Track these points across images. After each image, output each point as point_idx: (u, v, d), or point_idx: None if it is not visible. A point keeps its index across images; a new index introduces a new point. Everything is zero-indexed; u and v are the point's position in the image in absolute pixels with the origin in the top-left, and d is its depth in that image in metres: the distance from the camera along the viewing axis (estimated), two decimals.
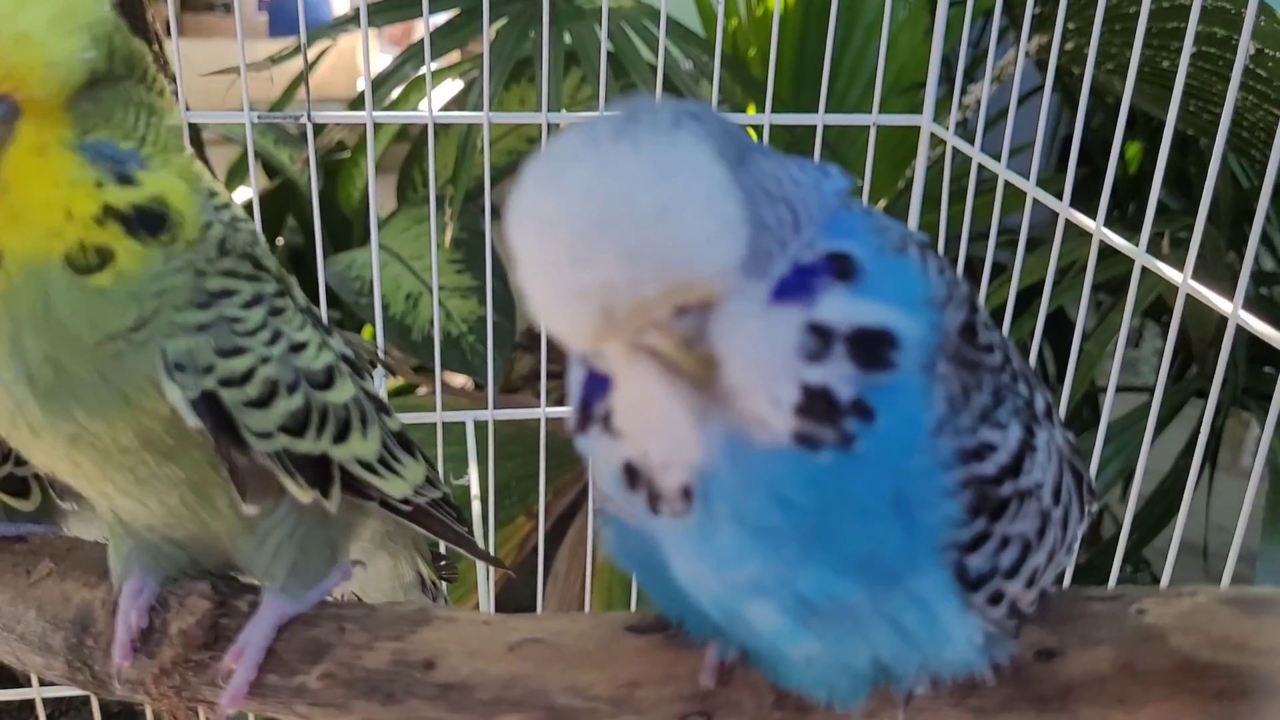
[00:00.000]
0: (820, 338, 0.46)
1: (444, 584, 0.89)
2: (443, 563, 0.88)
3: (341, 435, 0.67)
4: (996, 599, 0.55)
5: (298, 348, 0.66)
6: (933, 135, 1.17)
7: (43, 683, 1.07)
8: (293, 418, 0.65)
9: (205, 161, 1.82)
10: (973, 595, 0.53)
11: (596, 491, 0.58)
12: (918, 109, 1.20)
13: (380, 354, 0.91)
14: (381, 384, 1.15)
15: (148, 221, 0.60)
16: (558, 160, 0.42)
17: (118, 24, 0.62)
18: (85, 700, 1.44)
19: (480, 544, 0.97)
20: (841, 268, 0.47)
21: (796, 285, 0.46)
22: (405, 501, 0.72)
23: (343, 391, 0.68)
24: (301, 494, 0.66)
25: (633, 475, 0.50)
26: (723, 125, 0.46)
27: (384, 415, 0.72)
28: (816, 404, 0.46)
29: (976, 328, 0.55)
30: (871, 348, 0.47)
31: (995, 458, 0.52)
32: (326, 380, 0.67)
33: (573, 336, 0.44)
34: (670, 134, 0.42)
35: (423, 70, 1.80)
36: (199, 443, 0.63)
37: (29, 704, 1.32)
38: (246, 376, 0.63)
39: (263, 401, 0.63)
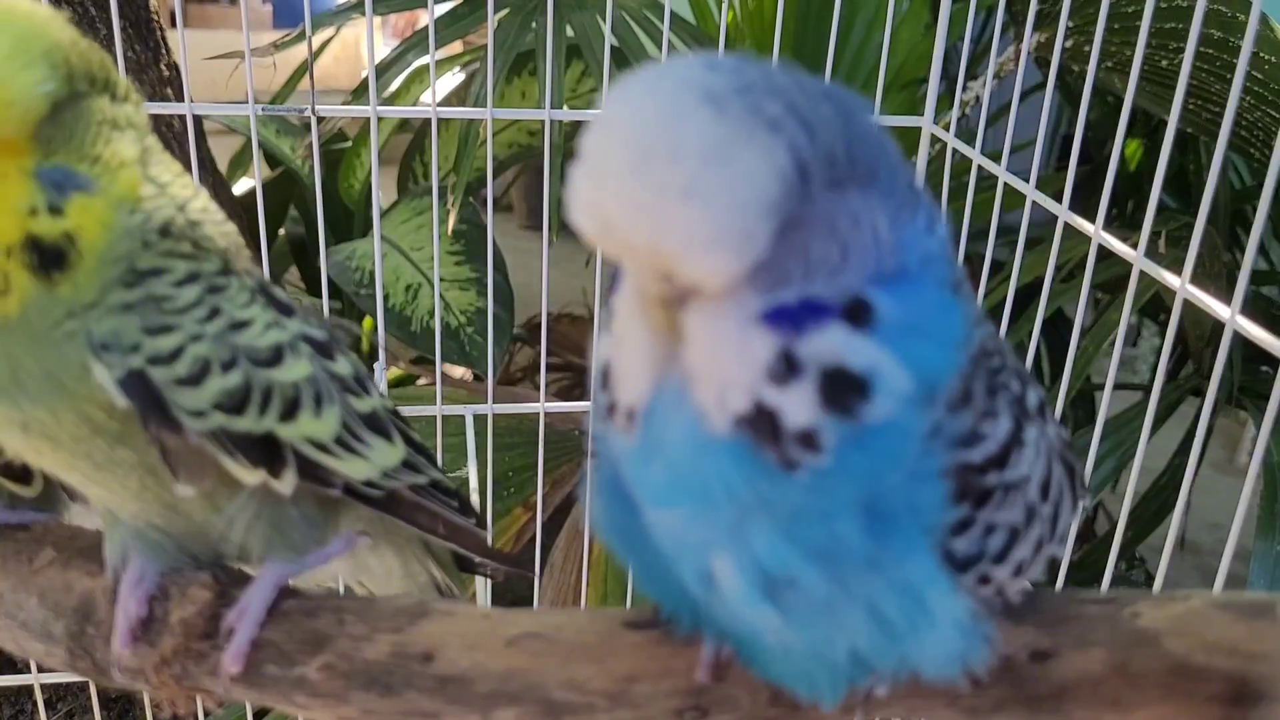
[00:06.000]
0: (789, 367, 0.47)
1: (470, 583, 0.87)
2: (478, 561, 0.84)
3: (289, 413, 0.66)
4: (985, 582, 0.56)
5: (239, 325, 0.65)
6: (933, 135, 1.17)
7: (40, 668, 1.07)
8: (229, 395, 0.64)
9: (206, 152, 1.82)
10: (962, 576, 0.54)
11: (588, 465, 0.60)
12: (917, 105, 1.20)
13: (380, 343, 0.91)
14: (381, 373, 1.15)
15: (50, 258, 0.60)
16: (650, 81, 0.43)
17: (75, 40, 0.62)
18: (83, 685, 1.44)
19: None
20: (855, 313, 0.47)
21: (793, 315, 0.47)
22: (372, 485, 0.71)
23: (294, 370, 0.67)
24: (245, 474, 0.65)
25: (605, 375, 0.52)
26: (837, 140, 0.46)
27: (352, 395, 0.71)
28: (761, 422, 0.47)
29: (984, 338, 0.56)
30: (843, 393, 0.47)
31: (984, 447, 0.53)
32: (273, 358, 0.66)
33: (582, 225, 0.44)
34: (752, 128, 0.42)
35: (425, 59, 1.80)
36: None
37: (27, 688, 1.33)
38: (176, 354, 0.62)
39: (194, 379, 0.63)
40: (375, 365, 1.14)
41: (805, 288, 0.47)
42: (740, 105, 0.42)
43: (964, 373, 0.53)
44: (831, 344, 0.47)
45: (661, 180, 0.41)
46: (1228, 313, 0.84)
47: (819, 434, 0.47)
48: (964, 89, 1.64)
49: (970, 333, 0.53)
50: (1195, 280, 0.87)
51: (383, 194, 2.29)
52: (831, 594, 0.53)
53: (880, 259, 0.48)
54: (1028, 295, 1.29)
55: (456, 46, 2.22)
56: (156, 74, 1.55)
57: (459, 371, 2.06)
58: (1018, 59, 1.21)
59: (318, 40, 1.91)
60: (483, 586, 1.01)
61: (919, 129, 1.17)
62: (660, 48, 1.20)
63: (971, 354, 0.54)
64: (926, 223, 0.51)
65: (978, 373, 0.54)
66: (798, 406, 0.47)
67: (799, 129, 0.44)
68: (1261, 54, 1.41)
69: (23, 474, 0.76)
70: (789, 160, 0.43)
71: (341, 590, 0.86)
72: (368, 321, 2.01)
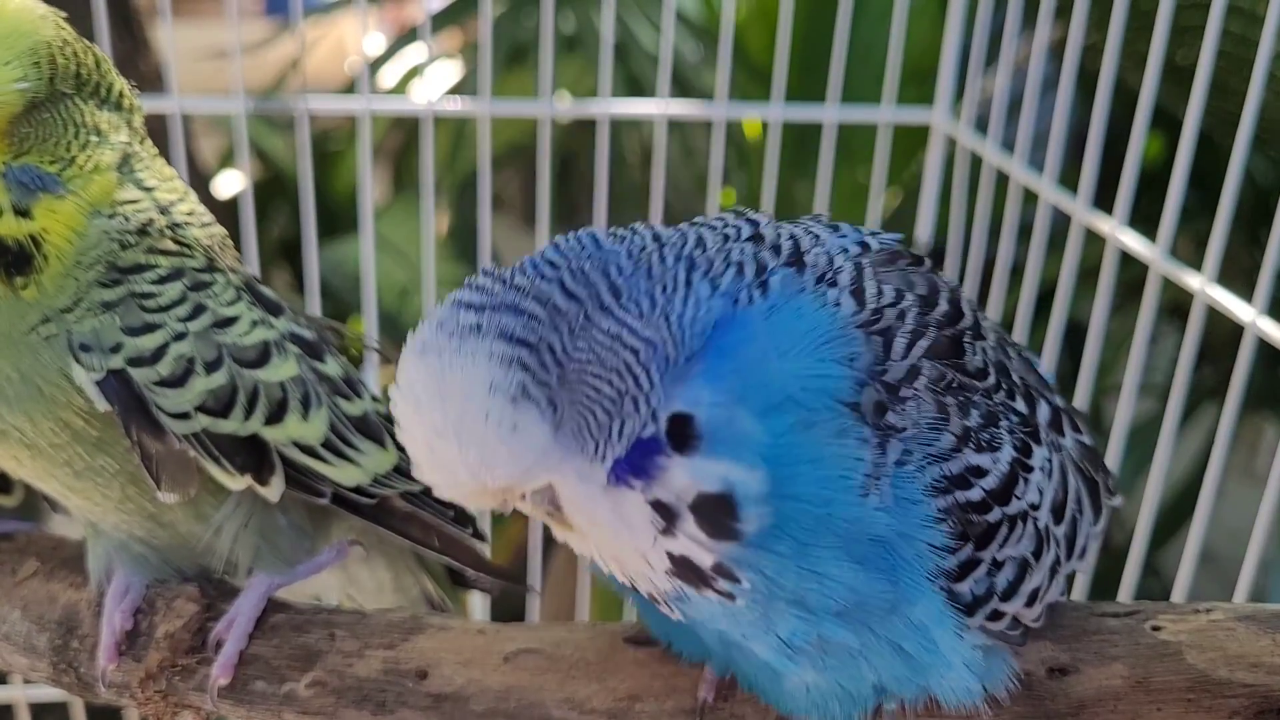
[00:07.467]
0: (665, 514, 0.47)
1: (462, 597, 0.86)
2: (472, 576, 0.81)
3: (276, 416, 0.65)
4: (996, 618, 0.54)
5: (224, 323, 0.64)
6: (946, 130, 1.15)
7: (26, 682, 1.06)
8: (214, 396, 0.63)
9: (192, 149, 1.79)
10: (969, 619, 0.53)
11: None
12: (929, 95, 1.17)
13: (373, 343, 0.89)
14: (374, 374, 1.13)
15: (14, 260, 0.60)
16: (418, 359, 0.48)
17: (64, 41, 0.61)
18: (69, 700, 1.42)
19: None
20: (679, 431, 0.47)
21: (636, 463, 0.47)
22: (362, 492, 0.69)
23: (280, 370, 0.65)
24: (229, 480, 0.64)
25: None
26: (540, 316, 0.46)
27: (341, 398, 0.69)
28: (685, 569, 0.48)
29: (963, 347, 0.53)
30: (717, 516, 0.47)
31: (982, 483, 0.51)
32: (259, 357, 0.65)
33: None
34: (467, 347, 0.46)
35: (422, 55, 1.77)
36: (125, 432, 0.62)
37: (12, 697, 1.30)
38: (158, 354, 0.61)
39: (177, 380, 0.62)
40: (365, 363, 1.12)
41: (626, 433, 0.46)
42: (457, 341, 0.46)
43: (925, 389, 0.50)
44: (678, 478, 0.46)
45: (429, 427, 0.46)
46: (1249, 315, 0.82)
47: (727, 564, 0.48)
48: (978, 82, 1.61)
49: (862, 344, 0.49)
50: (1215, 281, 0.86)
51: (378, 191, 2.26)
52: (855, 646, 0.52)
53: (666, 354, 0.47)
54: (1043, 294, 1.26)
55: (456, 43, 2.20)
56: (135, 70, 1.53)
57: None
58: (1029, 52, 1.19)
59: (308, 36, 1.88)
60: (481, 600, 0.99)
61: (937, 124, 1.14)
62: (659, 42, 1.18)
63: (921, 350, 0.50)
64: (731, 275, 0.49)
65: (970, 398, 0.52)
66: (696, 547, 0.47)
67: (508, 315, 0.45)
68: None
69: (2, 483, 0.75)
70: (508, 349, 0.45)
71: (335, 603, 0.84)
72: (358, 324, 1.99)
